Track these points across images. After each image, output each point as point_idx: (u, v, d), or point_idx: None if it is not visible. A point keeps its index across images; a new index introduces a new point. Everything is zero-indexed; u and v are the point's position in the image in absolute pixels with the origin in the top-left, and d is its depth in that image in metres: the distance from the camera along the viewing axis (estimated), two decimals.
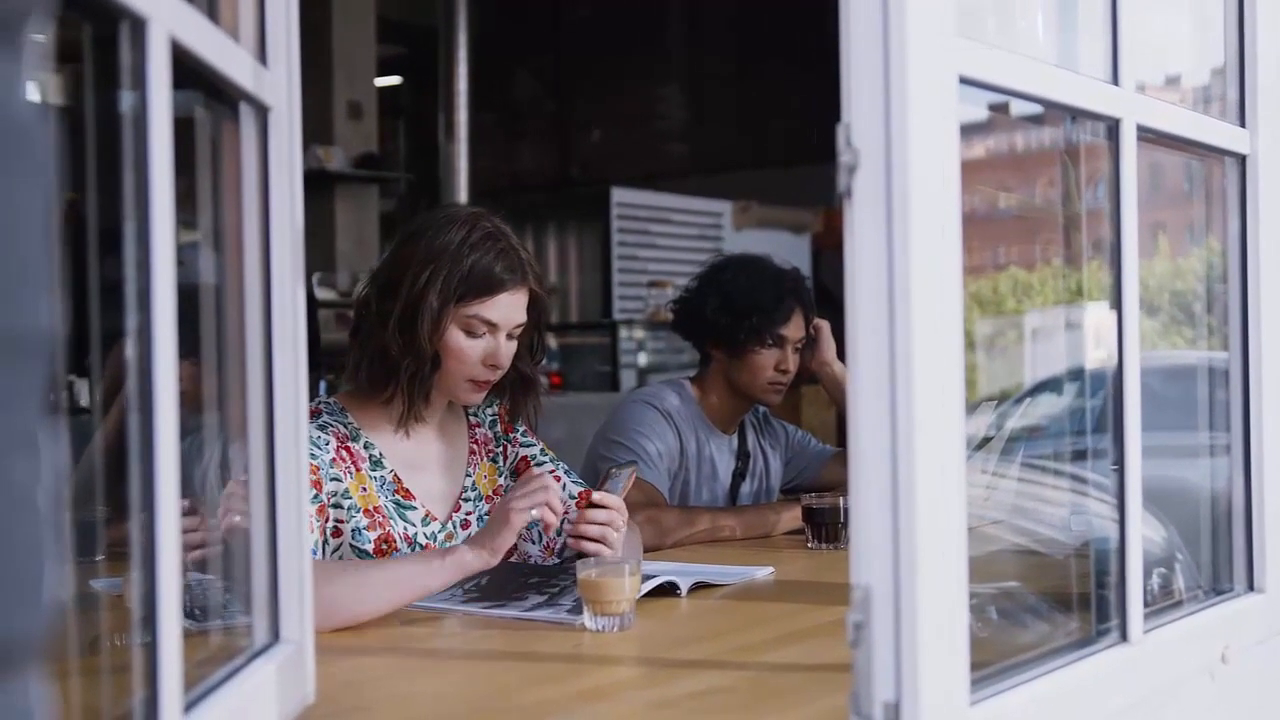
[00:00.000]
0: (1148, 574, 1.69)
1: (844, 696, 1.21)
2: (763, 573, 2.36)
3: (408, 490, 2.24)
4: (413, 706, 1.59)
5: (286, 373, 1.36)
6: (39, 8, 0.55)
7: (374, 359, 2.20)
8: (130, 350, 0.99)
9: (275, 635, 1.36)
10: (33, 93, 0.55)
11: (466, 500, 2.34)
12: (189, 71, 1.10)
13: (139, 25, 0.98)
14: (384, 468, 2.23)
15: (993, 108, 1.51)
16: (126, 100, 0.99)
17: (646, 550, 2.67)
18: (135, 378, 0.99)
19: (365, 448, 2.22)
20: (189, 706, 1.07)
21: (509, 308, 2.21)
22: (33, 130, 0.53)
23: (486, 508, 2.34)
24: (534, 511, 1.98)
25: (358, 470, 2.19)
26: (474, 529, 2.29)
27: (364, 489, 2.18)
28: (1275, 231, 1.85)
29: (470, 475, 2.35)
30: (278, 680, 1.31)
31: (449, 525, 2.28)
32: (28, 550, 0.54)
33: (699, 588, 2.19)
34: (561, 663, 1.74)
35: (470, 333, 2.20)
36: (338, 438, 2.19)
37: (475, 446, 2.38)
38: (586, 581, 1.87)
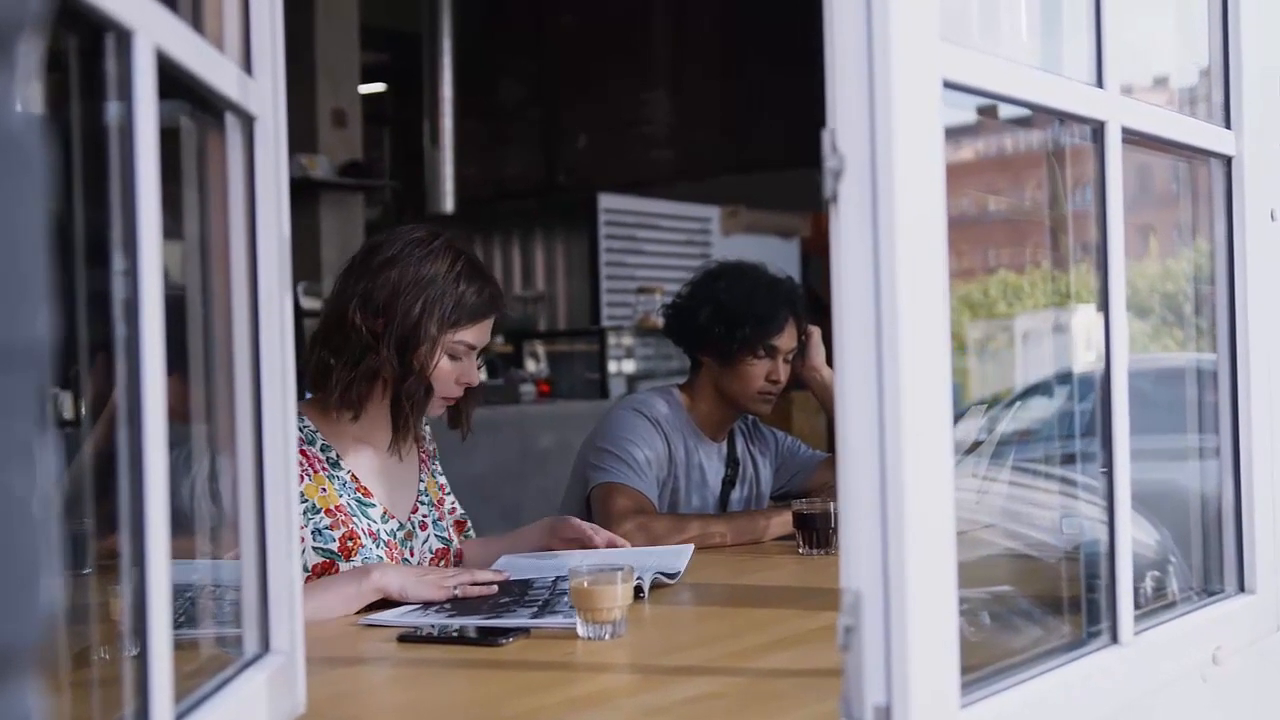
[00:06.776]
0: (1141, 577, 1.69)
1: (835, 701, 1.21)
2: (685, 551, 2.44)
3: (366, 489, 2.33)
4: (404, 717, 1.58)
5: (275, 384, 1.36)
6: (33, 20, 0.56)
7: (363, 379, 2.27)
8: (118, 361, 0.99)
9: (265, 646, 1.36)
10: (26, 104, 0.55)
11: (422, 503, 2.44)
12: (173, 81, 1.10)
13: (125, 36, 0.97)
14: (342, 469, 2.30)
15: (981, 111, 1.51)
16: (112, 110, 0.99)
17: None
18: (123, 390, 0.98)
19: (322, 450, 2.30)
20: (179, 717, 1.07)
21: (487, 331, 2.36)
22: (27, 141, 0.54)
23: (437, 514, 2.46)
24: (457, 591, 2.13)
25: (315, 472, 2.26)
26: (430, 530, 2.42)
27: (323, 490, 2.26)
28: (1260, 232, 1.86)
29: (423, 481, 2.47)
30: (268, 691, 1.30)
31: (408, 525, 2.38)
32: (25, 558, 0.54)
33: (655, 587, 2.22)
34: (554, 671, 1.74)
35: (453, 356, 2.31)
36: None
37: (424, 456, 2.50)
38: (578, 590, 1.87)
